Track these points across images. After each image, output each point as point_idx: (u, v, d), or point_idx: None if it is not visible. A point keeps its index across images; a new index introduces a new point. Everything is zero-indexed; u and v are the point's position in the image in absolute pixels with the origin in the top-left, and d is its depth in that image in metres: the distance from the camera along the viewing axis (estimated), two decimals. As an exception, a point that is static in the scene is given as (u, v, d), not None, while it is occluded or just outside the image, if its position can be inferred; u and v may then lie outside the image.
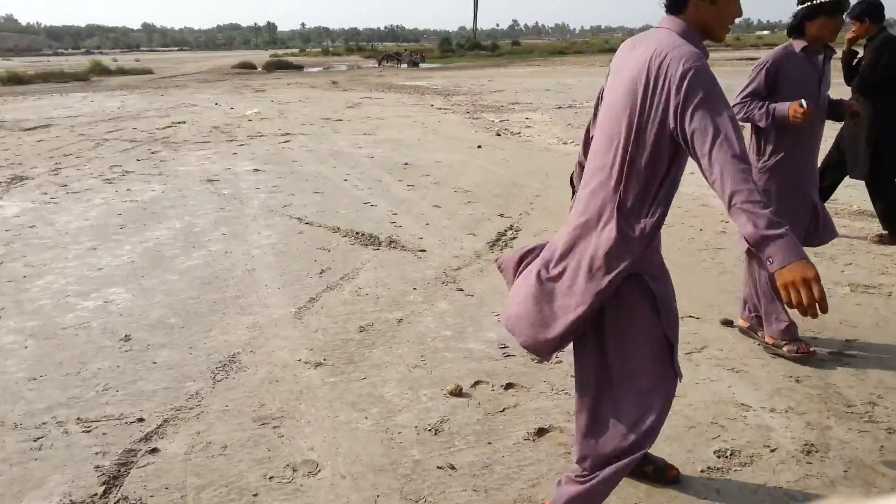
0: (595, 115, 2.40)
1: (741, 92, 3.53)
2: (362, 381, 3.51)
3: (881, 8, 4.87)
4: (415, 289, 4.75)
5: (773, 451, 2.85)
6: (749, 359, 3.64)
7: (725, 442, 2.92)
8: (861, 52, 5.33)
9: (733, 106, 3.35)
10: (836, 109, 3.66)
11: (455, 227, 6.18)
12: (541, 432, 3.02)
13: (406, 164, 9.30)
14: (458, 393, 3.36)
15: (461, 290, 4.71)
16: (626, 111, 2.04)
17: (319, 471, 2.78)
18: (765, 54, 3.60)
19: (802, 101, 3.30)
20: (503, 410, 3.22)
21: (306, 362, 3.72)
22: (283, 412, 3.23)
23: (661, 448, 2.82)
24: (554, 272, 2.19)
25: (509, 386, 3.44)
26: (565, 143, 10.82)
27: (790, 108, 3.34)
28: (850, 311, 4.19)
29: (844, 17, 3.75)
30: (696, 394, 3.29)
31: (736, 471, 2.74)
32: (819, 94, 3.51)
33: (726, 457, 2.83)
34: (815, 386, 3.36)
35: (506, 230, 6.09)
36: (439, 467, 2.80)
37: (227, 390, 3.44)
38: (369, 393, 3.39)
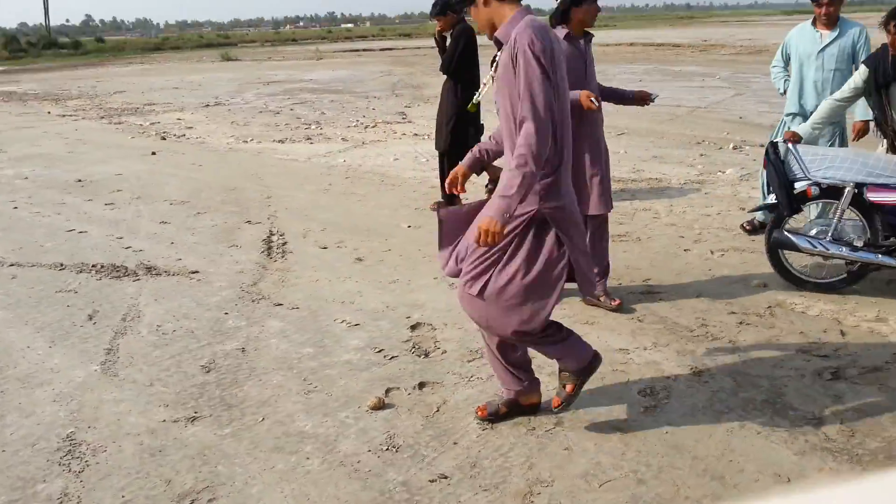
0: None
1: None
2: (262, 422, 3.08)
3: (458, 2, 5.59)
4: (226, 313, 4.25)
5: (675, 379, 3.30)
6: (589, 313, 4.09)
7: (637, 383, 3.28)
8: (448, 39, 6.15)
9: None
10: (619, 97, 4.21)
11: (208, 242, 5.61)
12: (495, 417, 3.01)
13: (80, 180, 8.01)
14: (380, 405, 3.17)
15: (280, 304, 4.35)
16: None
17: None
18: None
19: (593, 96, 3.73)
20: (438, 409, 3.14)
21: (175, 420, 3.11)
22: (204, 483, 2.69)
23: (598, 401, 3.11)
24: None
25: (422, 385, 3.36)
26: (246, 141, 10.40)
27: (583, 97, 3.72)
28: (623, 258, 4.93)
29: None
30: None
31: (659, 404, 3.11)
32: (586, 75, 3.97)
33: (649, 394, 3.19)
34: (655, 322, 3.94)
35: (269, 236, 5.73)
36: (431, 481, 2.65)
37: (104, 478, 2.73)
38: (285, 432, 3.01)
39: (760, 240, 4.99)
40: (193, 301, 4.42)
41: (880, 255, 3.96)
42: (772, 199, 4.28)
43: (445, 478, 2.66)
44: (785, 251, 4.21)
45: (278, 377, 3.45)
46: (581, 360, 2.76)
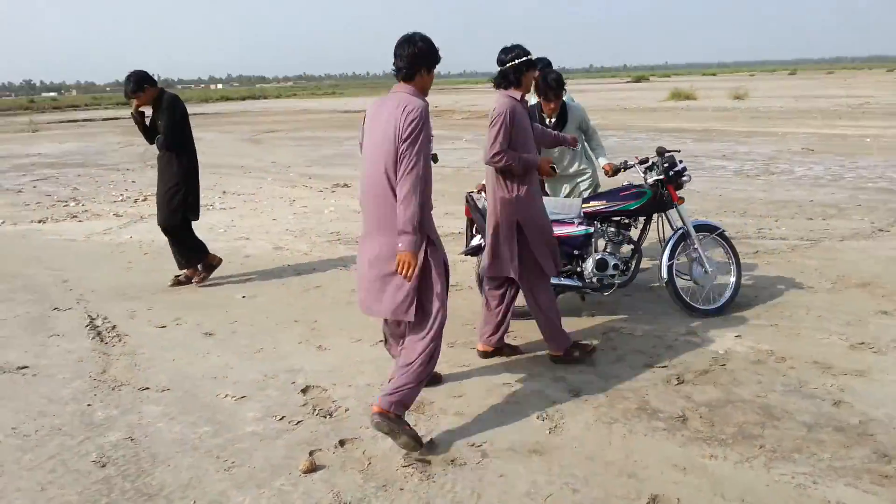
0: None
1: (496, 143, 3.98)
2: None
3: (145, 78, 5.82)
4: (89, 405, 3.98)
5: (561, 402, 3.80)
6: (466, 356, 4.47)
7: (532, 410, 3.72)
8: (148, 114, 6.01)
9: (495, 155, 3.99)
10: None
11: (21, 335, 5.14)
12: (452, 462, 3.25)
13: None
14: (313, 468, 3.24)
15: (146, 388, 4.18)
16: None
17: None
18: (498, 107, 4.03)
19: (554, 166, 4.19)
20: (370, 463, 3.29)
21: (93, 521, 2.92)
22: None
23: (506, 431, 3.50)
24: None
25: (343, 443, 3.47)
26: None
27: (543, 163, 4.13)
28: (465, 305, 5.41)
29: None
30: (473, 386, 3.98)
31: (558, 424, 3.56)
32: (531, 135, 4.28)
33: (547, 418, 3.64)
34: (521, 356, 4.44)
35: (91, 321, 5.37)
36: None
37: None
38: (226, 510, 2.97)
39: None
40: (42, 397, 4.04)
41: (561, 279, 4.73)
42: (476, 241, 4.80)
43: (413, 521, 2.82)
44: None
45: (187, 459, 3.33)
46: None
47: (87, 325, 5.24)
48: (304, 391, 4.03)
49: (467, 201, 4.72)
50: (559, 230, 4.66)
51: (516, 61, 4.00)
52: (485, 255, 4.25)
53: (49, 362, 4.54)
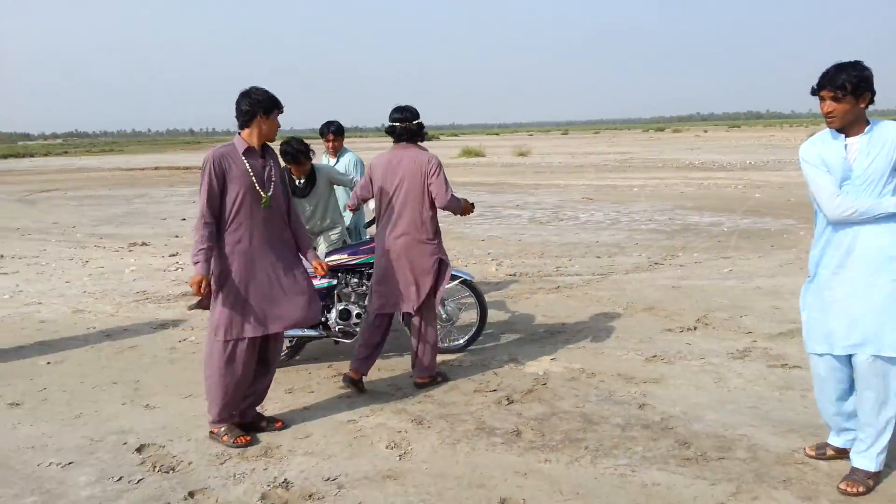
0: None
1: (449, 186, 4.57)
2: None
3: None
4: None
5: (406, 431, 4.02)
6: (306, 391, 4.54)
7: (379, 441, 3.89)
8: None
9: (452, 197, 4.58)
10: None
11: None
12: (310, 496, 3.31)
13: None
14: (164, 521, 3.17)
15: None
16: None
17: None
18: (432, 157, 4.51)
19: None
20: None
21: None
22: None
23: (358, 462, 3.60)
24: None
25: (192, 494, 3.40)
26: None
27: (467, 204, 4.87)
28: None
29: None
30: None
31: (407, 450, 3.77)
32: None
33: (395, 446, 3.82)
34: (358, 394, 4.61)
35: None
36: None
37: None
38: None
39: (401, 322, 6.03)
40: None
41: (306, 330, 4.98)
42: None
43: (276, 555, 2.86)
44: None
45: (17, 532, 3.08)
46: None
47: None
48: (138, 450, 3.86)
49: None
50: None
51: (419, 119, 4.55)
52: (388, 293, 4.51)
53: None
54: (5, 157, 60.11)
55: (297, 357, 5.24)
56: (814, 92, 3.10)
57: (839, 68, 3.01)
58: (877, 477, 3.16)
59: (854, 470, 3.17)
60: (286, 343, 5.05)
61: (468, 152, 38.54)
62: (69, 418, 4.32)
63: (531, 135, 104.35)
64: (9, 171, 35.67)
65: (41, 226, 14.13)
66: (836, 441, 3.39)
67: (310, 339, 5.16)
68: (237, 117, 3.80)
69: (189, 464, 3.66)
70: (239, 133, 3.85)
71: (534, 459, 3.58)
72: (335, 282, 5.10)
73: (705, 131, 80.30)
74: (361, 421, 4.13)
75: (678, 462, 3.50)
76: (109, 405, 4.51)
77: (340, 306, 5.09)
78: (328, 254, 5.25)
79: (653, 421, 4.01)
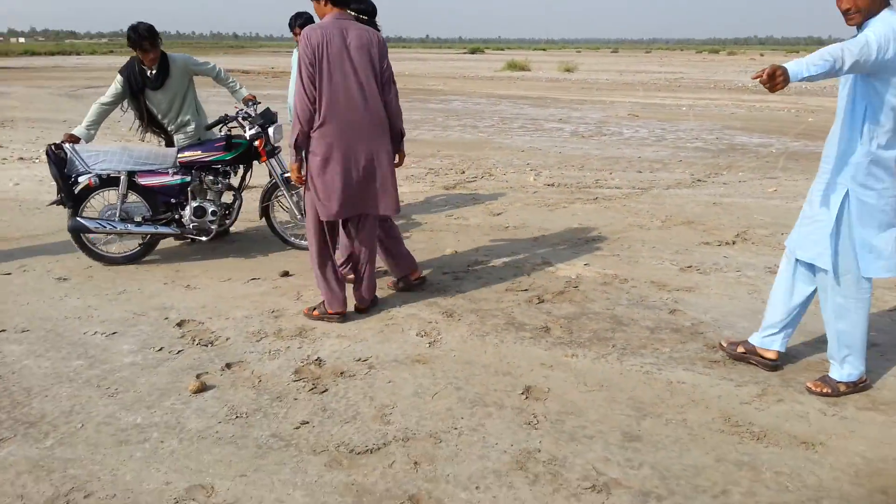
0: (312, 86, 3.62)
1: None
2: (83, 427, 2.98)
3: None
4: None
5: (436, 322, 4.08)
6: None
7: (410, 329, 3.96)
8: None
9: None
10: None
11: None
12: (342, 374, 3.42)
13: None
14: (203, 388, 3.29)
15: (2, 330, 3.98)
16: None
17: None
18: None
19: None
20: (260, 380, 3.40)
21: None
22: (67, 486, 2.55)
23: (389, 347, 3.68)
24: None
25: (229, 366, 3.54)
26: None
27: None
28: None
29: None
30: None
31: (436, 339, 3.83)
32: None
33: (425, 335, 3.89)
34: (389, 288, 4.67)
35: (-72, 269, 4.93)
36: (296, 428, 2.97)
37: None
38: (118, 429, 2.94)
39: (447, 223, 6.07)
40: None
41: (159, 227, 4.97)
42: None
43: (307, 423, 2.98)
44: (85, 234, 4.93)
45: (65, 390, 3.26)
46: None
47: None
48: (179, 325, 4.01)
49: (49, 153, 4.82)
50: (155, 180, 4.96)
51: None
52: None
53: None
54: (52, 54, 60.52)
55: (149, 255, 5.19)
56: None
57: None
58: (849, 386, 3.19)
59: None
60: (138, 240, 5.10)
61: (513, 65, 37.60)
62: (113, 294, 4.48)
63: (579, 51, 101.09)
64: (56, 67, 35.94)
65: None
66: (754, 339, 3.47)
67: (164, 235, 5.10)
68: None
69: (227, 339, 3.80)
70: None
71: (560, 354, 3.63)
72: (188, 178, 5.01)
73: (762, 55, 76.77)
74: (393, 311, 4.21)
75: (705, 364, 3.52)
76: (152, 284, 4.66)
77: (195, 203, 5.01)
78: (181, 149, 5.08)
79: (683, 325, 4.01)
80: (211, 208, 5.03)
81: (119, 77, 5.10)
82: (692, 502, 2.46)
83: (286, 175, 5.16)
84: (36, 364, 3.49)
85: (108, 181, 4.90)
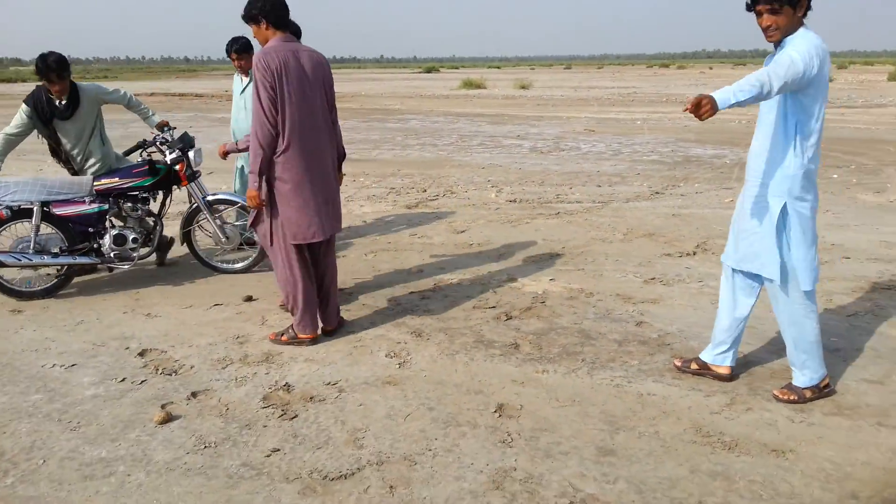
0: (274, 110, 3.56)
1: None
2: (45, 464, 2.88)
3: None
4: None
5: (405, 343, 4.06)
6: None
7: (379, 350, 3.94)
8: None
9: None
10: None
11: None
12: (311, 399, 3.37)
13: None
14: (168, 418, 3.21)
15: None
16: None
17: None
18: None
19: None
20: (227, 409, 3.33)
21: None
22: None
23: (358, 369, 3.65)
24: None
25: (195, 394, 3.46)
26: None
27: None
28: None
29: None
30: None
31: (406, 360, 3.82)
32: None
33: (395, 356, 3.87)
34: (359, 308, 4.63)
35: None
36: (267, 456, 2.92)
37: None
38: (83, 463, 2.86)
39: (411, 242, 6.06)
40: None
41: (77, 257, 4.84)
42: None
43: (278, 450, 2.93)
44: None
45: (25, 425, 3.15)
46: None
47: None
48: (141, 354, 3.91)
49: None
50: (71, 209, 4.84)
51: None
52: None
53: None
54: (-4, 80, 58.87)
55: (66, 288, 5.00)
56: (749, 7, 2.99)
57: None
58: (813, 391, 3.27)
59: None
60: (54, 270, 4.95)
61: (468, 84, 37.95)
62: (71, 324, 4.36)
63: (533, 68, 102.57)
64: (2, 94, 35.04)
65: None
66: (705, 356, 3.52)
67: (82, 266, 4.99)
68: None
69: (191, 367, 3.72)
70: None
71: (531, 370, 3.63)
72: (106, 206, 4.91)
73: (710, 68, 78.92)
74: (361, 332, 4.17)
75: (674, 375, 3.56)
76: (111, 313, 4.55)
77: (114, 231, 4.92)
78: (97, 177, 4.95)
79: (650, 337, 4.05)
80: (132, 235, 4.94)
81: (24, 107, 4.96)
82: (669, 514, 2.47)
83: (207, 198, 5.15)
84: (-9, 400, 3.35)
85: (20, 213, 4.73)
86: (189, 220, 5.26)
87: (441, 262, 5.61)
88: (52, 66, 4.80)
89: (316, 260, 3.99)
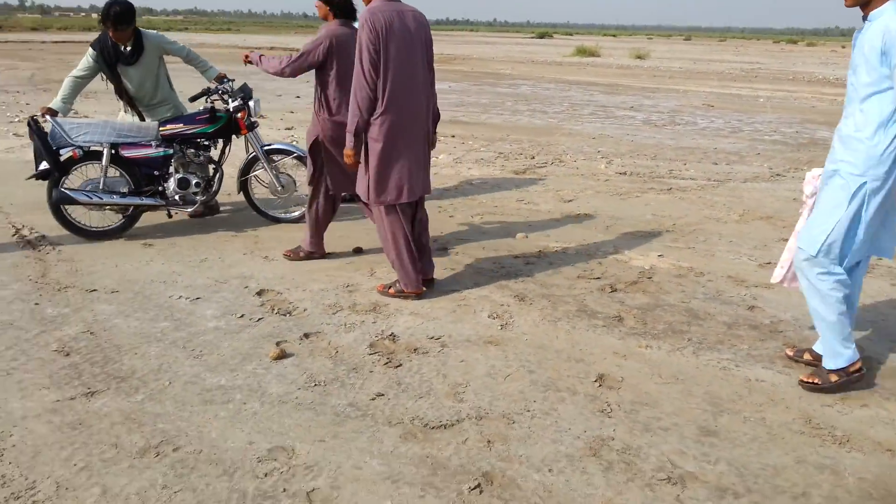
0: (374, 73, 3.63)
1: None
2: (171, 385, 3.10)
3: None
4: (37, 304, 3.93)
5: (508, 305, 4.09)
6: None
7: (482, 311, 3.98)
8: None
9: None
10: None
11: None
12: (415, 350, 3.47)
13: None
14: (283, 355, 3.38)
15: (93, 290, 4.16)
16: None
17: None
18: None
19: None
20: (337, 352, 3.47)
21: (72, 398, 2.96)
22: (157, 438, 2.68)
23: (462, 327, 3.72)
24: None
25: (307, 335, 3.63)
26: None
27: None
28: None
29: None
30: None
31: (508, 322, 3.84)
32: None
33: (497, 317, 3.90)
34: (464, 268, 4.68)
35: (17, 231, 5.19)
36: (372, 399, 3.03)
37: (34, 456, 2.58)
38: (204, 388, 3.07)
39: (518, 207, 6.07)
40: None
41: (144, 198, 5.00)
42: (44, 165, 4.83)
43: (382, 395, 3.04)
44: (66, 206, 4.91)
45: (153, 349, 3.40)
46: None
47: (14, 235, 5.06)
48: (259, 294, 4.12)
49: (31, 125, 4.86)
50: (138, 152, 4.98)
51: None
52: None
53: (-20, 266, 4.39)
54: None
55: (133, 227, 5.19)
56: None
57: None
58: (839, 375, 3.13)
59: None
60: (119, 215, 5.10)
61: (582, 51, 37.02)
62: (196, 261, 4.64)
63: (650, 38, 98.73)
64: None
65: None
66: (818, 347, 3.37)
67: (148, 207, 5.12)
68: None
69: (304, 310, 3.90)
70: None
71: (634, 344, 3.60)
72: (171, 151, 5.06)
73: (843, 47, 73.61)
74: (465, 291, 4.24)
75: (785, 363, 3.44)
76: (232, 254, 4.81)
77: (178, 175, 5.07)
78: (163, 122, 5.08)
79: (762, 323, 3.92)
80: (194, 180, 5.10)
81: (91, 51, 5.09)
82: (771, 502, 2.42)
83: (266, 147, 5.29)
84: (125, 323, 3.65)
85: (91, 153, 4.90)
86: (246, 169, 5.40)
87: (547, 230, 5.59)
88: (112, 16, 4.93)
89: (408, 217, 4.05)
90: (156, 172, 5.07)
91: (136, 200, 5.00)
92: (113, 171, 4.98)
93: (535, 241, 5.28)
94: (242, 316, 3.78)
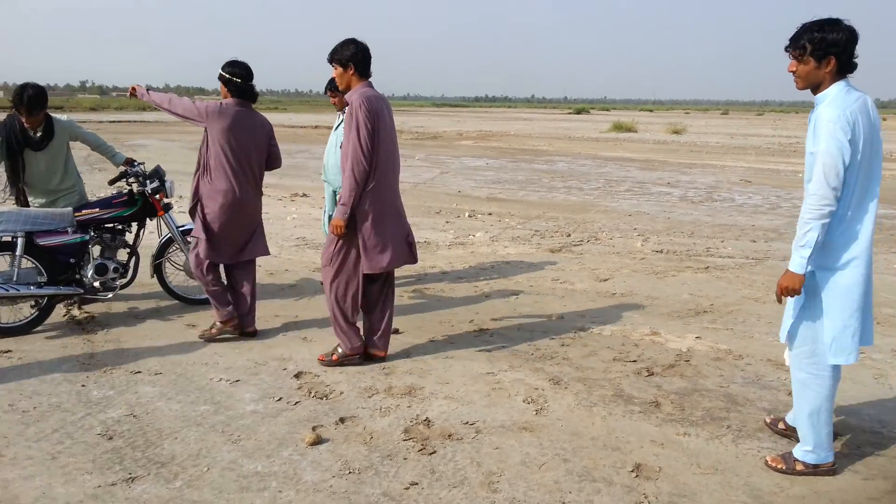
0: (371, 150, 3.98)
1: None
2: (209, 471, 3.16)
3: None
4: (83, 385, 4.05)
5: (543, 389, 4.08)
6: (448, 349, 4.71)
7: (517, 395, 3.98)
8: None
9: None
10: None
11: None
12: (449, 437, 3.48)
13: None
14: (318, 441, 3.41)
15: (138, 371, 4.27)
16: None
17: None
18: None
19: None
20: (371, 437, 3.49)
21: (112, 483, 3.02)
22: None
23: (495, 412, 3.71)
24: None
25: (343, 420, 3.66)
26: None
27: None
28: (453, 303, 5.64)
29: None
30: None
31: (543, 407, 3.83)
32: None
33: (532, 402, 3.90)
34: (498, 350, 4.70)
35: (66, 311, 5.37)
36: (406, 488, 3.03)
37: None
38: (240, 475, 3.11)
39: (553, 287, 6.10)
40: (33, 378, 4.09)
41: (61, 288, 4.83)
42: None
43: (416, 484, 3.04)
44: None
45: (193, 433, 3.46)
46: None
47: (65, 316, 5.26)
48: (296, 376, 4.19)
49: None
50: (54, 240, 4.85)
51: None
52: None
53: (31, 347, 4.56)
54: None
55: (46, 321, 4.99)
56: (786, 48, 2.95)
57: (807, 27, 2.85)
58: (805, 468, 3.11)
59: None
60: (30, 304, 4.88)
61: (618, 127, 37.50)
62: (236, 342, 4.75)
63: (687, 113, 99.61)
64: (182, 123, 38.57)
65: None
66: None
67: (65, 297, 5.01)
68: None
69: (340, 393, 3.95)
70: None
71: (672, 431, 3.55)
72: (87, 237, 4.98)
73: (884, 119, 73.16)
74: (500, 374, 4.25)
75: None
76: (271, 334, 4.91)
77: (97, 261, 5.02)
78: (77, 208, 5.02)
79: (803, 409, 3.82)
80: (112, 265, 5.04)
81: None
82: None
83: (182, 229, 5.35)
84: (167, 406, 3.74)
85: (5, 245, 4.74)
86: (160, 252, 5.40)
87: (582, 310, 5.60)
88: (25, 102, 4.84)
89: (372, 288, 4.35)
90: (72, 260, 4.93)
91: (54, 290, 4.80)
92: (25, 262, 4.80)
93: (570, 322, 5.29)
94: (280, 399, 3.84)
